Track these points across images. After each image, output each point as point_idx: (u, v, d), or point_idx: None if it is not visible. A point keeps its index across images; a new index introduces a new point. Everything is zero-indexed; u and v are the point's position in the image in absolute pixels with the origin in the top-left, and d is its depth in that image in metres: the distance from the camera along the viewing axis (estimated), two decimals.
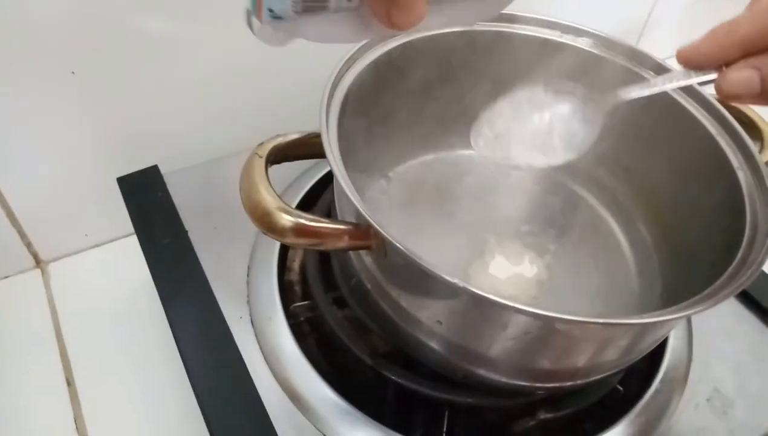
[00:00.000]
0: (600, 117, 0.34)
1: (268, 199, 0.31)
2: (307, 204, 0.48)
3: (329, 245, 0.32)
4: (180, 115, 0.54)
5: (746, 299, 0.46)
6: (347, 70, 0.38)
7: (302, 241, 0.32)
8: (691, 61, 0.29)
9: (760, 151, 0.39)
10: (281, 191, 0.48)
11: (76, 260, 0.59)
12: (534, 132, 0.34)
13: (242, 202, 0.32)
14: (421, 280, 0.30)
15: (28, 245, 0.56)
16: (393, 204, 0.42)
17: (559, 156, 0.34)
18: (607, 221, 0.46)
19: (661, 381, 0.40)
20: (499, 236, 0.41)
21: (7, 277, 0.57)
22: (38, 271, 0.58)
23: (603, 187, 0.46)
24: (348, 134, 0.37)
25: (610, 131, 0.44)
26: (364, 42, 0.38)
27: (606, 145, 0.45)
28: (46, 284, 0.57)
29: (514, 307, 0.26)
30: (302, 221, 0.31)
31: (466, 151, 0.47)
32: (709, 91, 0.35)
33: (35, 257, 0.57)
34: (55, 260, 0.58)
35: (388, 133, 0.42)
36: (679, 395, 0.40)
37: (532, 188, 0.46)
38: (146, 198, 0.48)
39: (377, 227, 0.29)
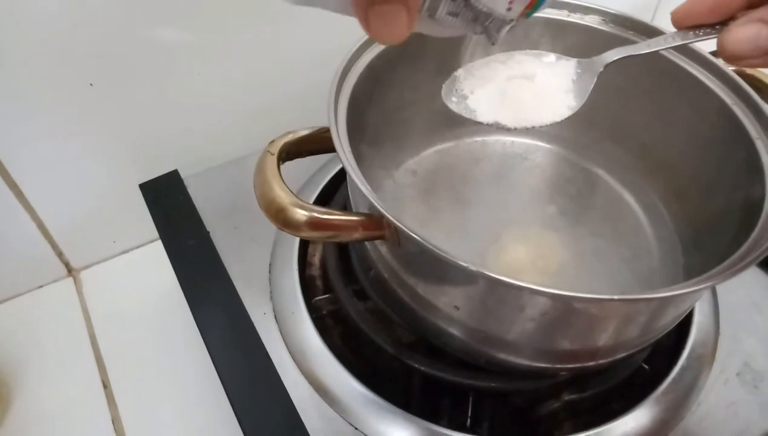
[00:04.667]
0: (587, 81, 0.33)
1: (282, 195, 0.31)
2: (323, 200, 0.48)
3: (344, 237, 0.32)
4: (197, 120, 0.55)
5: None
6: (357, 60, 0.38)
7: (317, 234, 0.32)
8: (688, 19, 0.27)
9: None
10: (298, 188, 0.50)
11: (106, 266, 0.61)
12: (509, 92, 0.33)
13: (257, 199, 0.32)
14: (435, 266, 0.30)
15: (60, 255, 0.58)
16: (407, 194, 0.42)
17: (536, 118, 0.33)
18: (625, 198, 0.45)
19: (688, 358, 0.39)
20: (516, 220, 0.41)
21: (41, 286, 0.59)
22: (71, 279, 0.60)
23: (620, 165, 0.46)
24: (359, 127, 0.37)
25: (623, 108, 0.44)
26: None
27: (621, 123, 0.45)
28: (79, 292, 0.59)
29: (529, 288, 0.26)
30: (316, 214, 0.31)
31: (479, 138, 0.47)
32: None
33: (67, 265, 0.59)
34: (86, 267, 0.60)
35: (400, 123, 0.42)
36: (707, 370, 0.40)
37: (548, 170, 0.46)
38: (168, 202, 0.49)
39: (389, 216, 0.29)
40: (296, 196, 0.32)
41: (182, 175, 0.51)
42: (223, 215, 0.48)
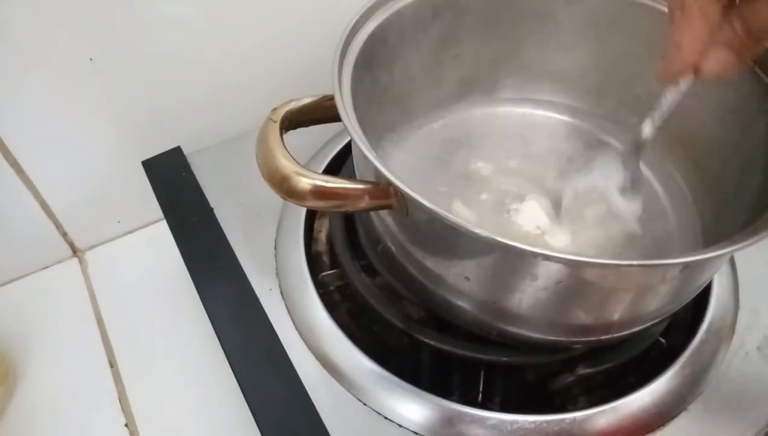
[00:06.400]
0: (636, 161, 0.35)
1: (285, 163, 0.30)
2: (331, 173, 0.47)
3: (350, 206, 0.31)
4: (199, 96, 0.54)
5: None
6: (362, 26, 0.37)
7: (323, 203, 0.31)
8: (672, 75, 0.29)
9: None
10: (305, 162, 0.48)
11: (111, 246, 0.60)
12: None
13: (260, 169, 0.31)
14: (445, 235, 0.29)
15: (64, 235, 0.57)
16: (415, 164, 0.41)
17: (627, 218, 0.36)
18: (641, 168, 0.44)
19: (707, 331, 0.38)
20: (527, 189, 0.40)
21: (46, 267, 0.58)
22: (75, 260, 0.59)
23: (635, 135, 0.44)
24: (364, 96, 0.36)
25: (638, 76, 0.42)
26: None
27: (635, 91, 0.43)
28: (84, 272, 0.58)
29: (542, 253, 0.25)
30: (321, 182, 0.30)
31: (489, 109, 0.45)
32: None
33: (72, 246, 0.59)
34: (90, 248, 0.60)
35: (407, 92, 0.41)
36: (726, 344, 0.39)
37: (560, 141, 0.44)
38: (171, 179, 0.48)
39: (397, 183, 0.28)
40: (300, 164, 0.30)
41: (185, 151, 0.50)
42: (228, 191, 0.47)
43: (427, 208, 0.27)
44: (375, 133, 0.39)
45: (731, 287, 0.41)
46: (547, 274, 0.28)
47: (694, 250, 0.39)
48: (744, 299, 0.41)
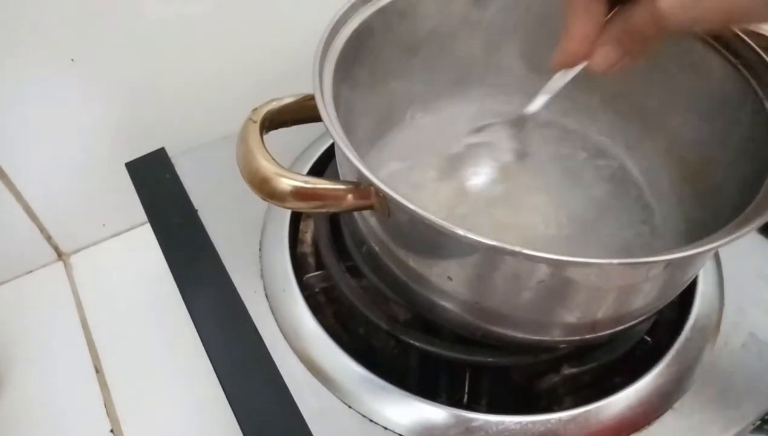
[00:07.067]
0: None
1: (265, 164, 0.30)
2: (316, 174, 0.47)
3: (332, 207, 0.31)
4: (183, 96, 0.53)
5: None
6: (344, 25, 0.37)
7: (304, 204, 0.31)
8: (566, 63, 0.30)
9: None
10: (290, 162, 0.48)
11: (97, 250, 0.60)
12: None
13: (240, 170, 0.31)
14: (425, 234, 0.29)
15: (48, 239, 0.57)
16: (397, 164, 0.41)
17: None
18: (627, 164, 0.44)
19: (692, 329, 0.38)
20: (512, 186, 0.40)
21: (31, 271, 0.58)
22: (61, 263, 0.58)
23: (620, 130, 0.44)
24: (346, 95, 0.36)
25: (622, 73, 0.42)
26: None
27: (620, 87, 0.43)
28: (69, 276, 0.58)
29: (523, 253, 0.25)
30: (301, 183, 0.30)
31: (473, 107, 0.45)
32: None
33: (56, 249, 0.58)
34: (76, 251, 0.59)
35: (390, 91, 0.40)
36: (712, 342, 0.39)
37: (545, 137, 0.44)
38: (155, 181, 0.48)
39: (377, 183, 0.28)
40: (280, 165, 0.30)
41: (170, 153, 0.50)
42: (212, 193, 0.47)
43: (406, 208, 0.26)
44: (360, 131, 0.39)
45: (716, 284, 0.41)
46: (528, 273, 0.28)
47: (679, 246, 0.39)
48: (729, 296, 0.41)
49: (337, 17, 0.36)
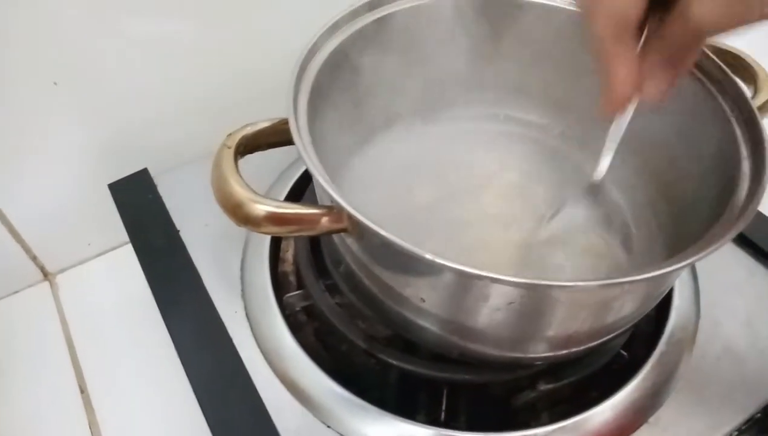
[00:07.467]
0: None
1: (239, 190, 0.30)
2: (297, 192, 0.47)
3: (306, 231, 0.31)
4: (166, 116, 0.54)
5: (756, 250, 0.44)
6: (320, 48, 0.37)
7: (278, 229, 0.31)
8: (617, 108, 0.30)
9: (755, 94, 0.37)
10: (271, 182, 0.49)
11: (83, 269, 0.60)
12: None
13: (214, 195, 0.31)
14: (397, 257, 0.29)
15: (34, 259, 0.57)
16: (376, 185, 0.41)
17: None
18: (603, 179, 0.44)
19: (667, 343, 0.38)
20: (488, 204, 0.40)
21: (17, 292, 0.58)
22: (47, 283, 0.59)
23: (596, 147, 0.44)
24: (323, 116, 0.36)
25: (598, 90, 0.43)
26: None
27: (595, 104, 0.44)
28: (55, 296, 0.58)
29: (489, 276, 0.25)
30: (274, 208, 0.30)
31: (450, 126, 0.45)
32: None
33: (42, 269, 0.58)
34: (61, 271, 0.59)
35: (368, 112, 0.41)
36: (687, 355, 0.39)
37: (521, 156, 0.45)
38: (137, 202, 0.48)
39: (347, 207, 0.28)
40: (253, 190, 0.31)
41: (152, 173, 0.50)
42: (194, 213, 0.47)
43: (375, 231, 0.27)
44: (338, 154, 0.39)
45: (692, 297, 0.41)
46: (497, 295, 0.28)
47: (656, 261, 0.40)
48: (705, 308, 0.41)
49: (314, 39, 0.37)
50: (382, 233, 0.26)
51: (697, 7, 0.23)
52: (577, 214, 0.37)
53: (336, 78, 0.38)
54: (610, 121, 0.34)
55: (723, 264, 0.43)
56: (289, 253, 0.46)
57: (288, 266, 0.45)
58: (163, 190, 0.49)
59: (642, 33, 0.27)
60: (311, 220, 0.31)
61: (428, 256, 0.25)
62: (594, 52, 0.27)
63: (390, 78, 0.41)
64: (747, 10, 0.23)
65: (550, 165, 0.45)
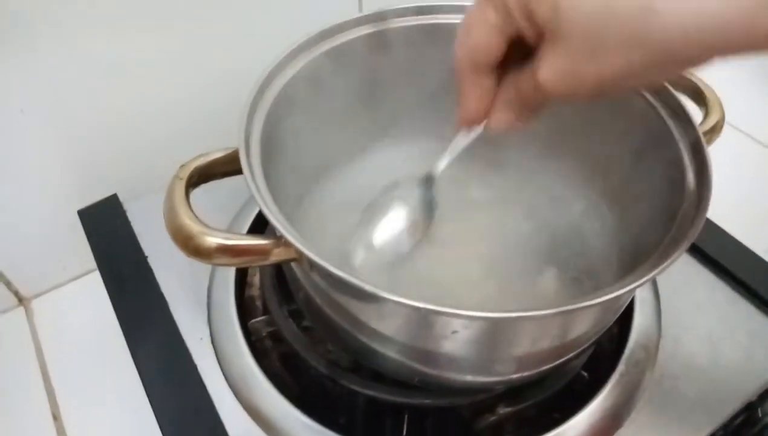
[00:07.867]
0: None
1: (188, 222, 0.31)
2: (262, 220, 0.48)
3: (258, 261, 0.31)
4: (134, 143, 0.54)
5: (717, 268, 0.44)
6: (276, 76, 0.37)
7: (230, 260, 0.31)
8: (465, 127, 0.33)
9: (706, 116, 0.38)
10: (237, 209, 0.49)
11: (58, 294, 0.60)
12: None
13: (166, 227, 0.32)
14: (346, 288, 0.30)
15: (8, 284, 0.57)
16: (332, 214, 0.41)
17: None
18: (567, 200, 0.44)
19: (627, 362, 0.39)
20: (449, 230, 0.40)
21: None
22: (21, 309, 0.59)
23: (561, 174, 0.44)
24: (278, 147, 0.37)
25: (559, 119, 0.43)
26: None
27: (558, 131, 0.44)
28: (30, 321, 0.58)
29: (430, 309, 0.26)
30: (224, 240, 0.30)
31: (404, 155, 0.45)
32: None
33: (16, 294, 0.58)
34: (36, 296, 0.59)
35: (322, 141, 0.41)
36: (649, 374, 0.39)
37: (482, 185, 0.45)
38: (106, 228, 0.49)
39: (291, 240, 0.28)
40: (203, 223, 0.31)
41: (122, 198, 0.51)
42: (162, 239, 0.46)
43: (318, 263, 0.27)
44: (295, 184, 0.39)
45: (654, 316, 0.41)
46: (444, 325, 0.28)
47: (618, 277, 0.40)
48: (666, 327, 0.41)
49: (270, 68, 0.37)
50: (323, 263, 0.27)
51: (543, 72, 0.26)
52: (407, 196, 0.39)
53: (294, 106, 0.38)
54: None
55: (685, 282, 0.44)
56: (256, 277, 0.46)
57: (255, 291, 0.46)
58: (132, 216, 0.49)
59: (503, 72, 0.29)
60: (262, 251, 0.31)
61: (369, 288, 0.26)
62: (456, 74, 0.30)
63: (349, 106, 0.41)
64: (580, 84, 0.25)
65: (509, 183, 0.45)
